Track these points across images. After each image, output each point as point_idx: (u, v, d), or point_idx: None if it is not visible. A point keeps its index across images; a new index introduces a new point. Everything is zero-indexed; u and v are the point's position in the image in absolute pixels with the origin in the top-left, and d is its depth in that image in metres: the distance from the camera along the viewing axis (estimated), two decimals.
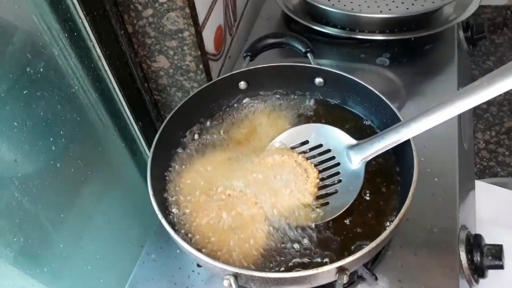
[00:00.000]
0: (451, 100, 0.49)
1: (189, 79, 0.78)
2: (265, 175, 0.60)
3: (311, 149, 0.62)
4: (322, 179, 0.59)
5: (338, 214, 0.56)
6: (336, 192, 0.58)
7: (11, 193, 0.53)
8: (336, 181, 0.59)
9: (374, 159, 0.59)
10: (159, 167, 0.60)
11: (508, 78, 0.44)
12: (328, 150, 0.61)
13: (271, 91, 0.72)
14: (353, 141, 0.60)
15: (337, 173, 0.59)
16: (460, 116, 0.78)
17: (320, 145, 0.62)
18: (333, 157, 0.60)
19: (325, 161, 0.61)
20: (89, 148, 0.70)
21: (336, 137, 0.61)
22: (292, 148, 0.63)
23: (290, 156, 0.61)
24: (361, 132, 0.65)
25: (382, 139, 0.55)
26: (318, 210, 0.57)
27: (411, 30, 0.87)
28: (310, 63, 0.69)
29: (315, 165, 0.61)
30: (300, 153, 0.62)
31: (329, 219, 0.56)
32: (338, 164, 0.60)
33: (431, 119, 0.51)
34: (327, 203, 0.57)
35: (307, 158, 0.61)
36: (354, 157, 0.58)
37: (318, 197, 0.58)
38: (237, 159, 0.63)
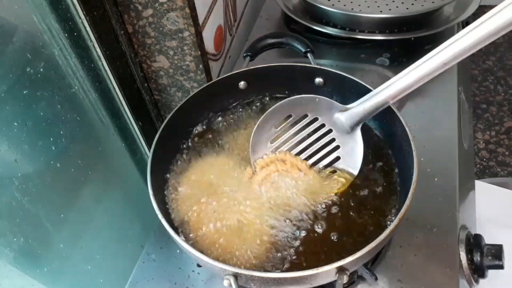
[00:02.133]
0: (442, 48, 0.48)
1: (189, 79, 0.78)
2: (264, 190, 0.59)
3: (296, 122, 0.59)
4: (319, 149, 0.58)
5: (352, 179, 0.56)
6: (338, 158, 0.57)
7: (11, 193, 0.53)
8: (334, 148, 0.57)
9: (374, 160, 0.59)
10: (159, 167, 0.60)
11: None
12: (316, 119, 0.58)
13: (271, 91, 0.72)
14: (340, 106, 0.57)
15: (333, 140, 0.57)
16: (460, 116, 0.78)
17: (306, 115, 0.59)
18: (323, 125, 0.58)
19: (315, 130, 0.58)
20: (89, 148, 0.70)
21: (321, 105, 0.58)
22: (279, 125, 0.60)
23: (277, 162, 0.59)
24: (361, 133, 0.65)
25: (373, 99, 0.53)
26: (335, 177, 0.57)
27: (411, 30, 0.87)
28: (310, 63, 0.69)
29: (306, 137, 0.59)
30: (283, 130, 0.59)
31: (345, 187, 0.56)
32: (330, 130, 0.57)
33: (423, 72, 0.49)
34: (334, 171, 0.57)
35: (296, 133, 0.59)
36: (346, 123, 0.56)
37: (322, 168, 0.58)
38: (238, 159, 0.63)
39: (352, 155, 0.57)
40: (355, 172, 0.58)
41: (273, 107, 0.60)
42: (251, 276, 0.45)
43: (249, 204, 0.57)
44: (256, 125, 0.60)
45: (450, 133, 0.73)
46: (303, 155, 0.60)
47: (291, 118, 0.60)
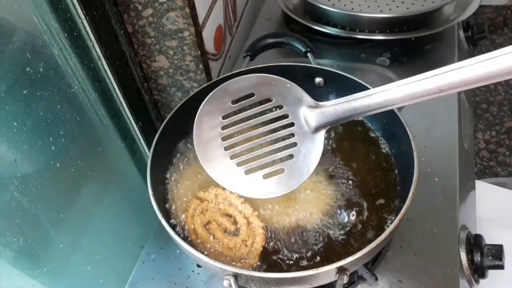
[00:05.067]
0: (443, 71, 0.42)
1: (189, 79, 0.78)
2: None
3: (256, 104, 0.51)
4: (274, 141, 0.52)
5: (299, 186, 0.51)
6: (291, 157, 0.51)
7: (11, 193, 0.53)
8: (290, 144, 0.51)
9: (374, 160, 0.59)
10: (159, 167, 0.60)
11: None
12: (280, 107, 0.51)
13: None
14: (311, 101, 0.50)
15: (292, 135, 0.51)
16: (460, 116, 0.78)
17: (269, 100, 0.51)
18: (286, 115, 0.51)
19: (276, 119, 0.51)
20: (89, 148, 0.70)
21: (290, 93, 0.50)
22: (237, 101, 0.51)
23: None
24: (361, 133, 0.65)
25: (348, 103, 0.47)
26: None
27: (411, 30, 0.87)
28: (310, 63, 0.69)
29: (265, 122, 0.51)
30: (240, 109, 0.51)
31: (289, 191, 0.51)
32: (292, 124, 0.51)
33: (412, 91, 0.42)
34: (282, 170, 0.51)
35: (255, 115, 0.51)
36: (312, 122, 0.50)
37: (271, 163, 0.52)
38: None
39: (305, 159, 0.51)
40: (293, 187, 0.51)
41: (236, 78, 0.52)
42: (251, 276, 0.45)
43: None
44: (213, 92, 0.53)
45: (451, 133, 0.73)
46: (254, 143, 0.53)
47: (252, 98, 0.52)
